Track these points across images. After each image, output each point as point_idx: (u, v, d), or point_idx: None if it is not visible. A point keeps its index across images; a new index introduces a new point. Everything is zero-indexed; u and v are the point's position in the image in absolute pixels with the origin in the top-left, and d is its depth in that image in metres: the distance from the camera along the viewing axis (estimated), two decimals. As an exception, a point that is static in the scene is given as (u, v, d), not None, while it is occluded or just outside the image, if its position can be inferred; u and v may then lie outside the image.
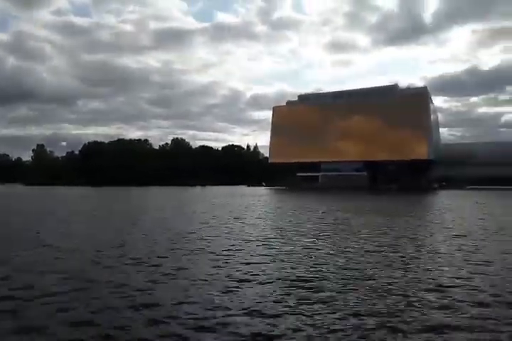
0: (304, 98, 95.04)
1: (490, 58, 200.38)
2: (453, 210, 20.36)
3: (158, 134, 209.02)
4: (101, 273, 6.23)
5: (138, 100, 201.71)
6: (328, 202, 28.38)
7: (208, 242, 9.36)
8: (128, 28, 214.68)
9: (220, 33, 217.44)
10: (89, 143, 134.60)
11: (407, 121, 76.87)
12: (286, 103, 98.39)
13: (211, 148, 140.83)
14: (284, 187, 78.47)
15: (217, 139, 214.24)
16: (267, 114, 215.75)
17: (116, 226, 13.05)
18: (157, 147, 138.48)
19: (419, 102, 79.00)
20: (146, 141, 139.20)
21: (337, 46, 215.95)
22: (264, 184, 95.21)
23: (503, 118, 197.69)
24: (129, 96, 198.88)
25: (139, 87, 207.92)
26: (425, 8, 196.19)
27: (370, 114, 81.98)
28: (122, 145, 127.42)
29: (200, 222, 13.82)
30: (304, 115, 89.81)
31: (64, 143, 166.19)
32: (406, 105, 78.43)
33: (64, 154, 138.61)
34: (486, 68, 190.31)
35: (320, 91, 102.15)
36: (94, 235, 10.85)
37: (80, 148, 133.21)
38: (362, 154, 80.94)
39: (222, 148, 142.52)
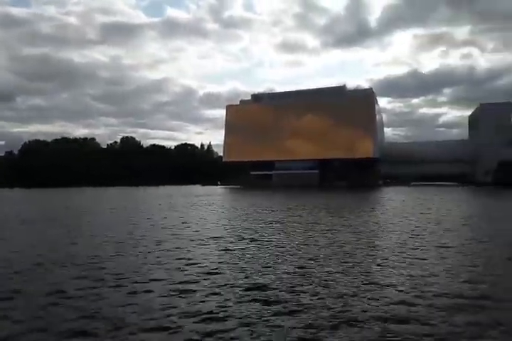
0: (257, 97, 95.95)
1: (429, 62, 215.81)
2: (396, 207, 21.83)
3: (106, 133, 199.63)
4: (23, 280, 6.07)
5: (84, 96, 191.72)
6: (282, 201, 29.08)
7: (156, 244, 9.33)
8: (72, 20, 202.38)
9: (171, 29, 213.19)
10: (29, 141, 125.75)
11: (355, 121, 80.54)
12: (240, 102, 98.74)
13: (163, 147, 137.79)
14: (238, 186, 78.94)
15: (169, 138, 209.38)
16: (221, 113, 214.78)
17: (51, 232, 12.50)
18: (105, 146, 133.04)
19: (365, 103, 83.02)
20: (92, 139, 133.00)
21: (287, 47, 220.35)
22: (219, 183, 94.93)
23: (441, 119, 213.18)
24: (74, 93, 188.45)
25: (85, 82, 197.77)
26: (370, 12, 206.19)
27: (320, 113, 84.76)
28: (66, 145, 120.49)
29: (149, 224, 13.64)
30: (257, 114, 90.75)
31: (2, 142, 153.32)
32: (354, 106, 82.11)
33: (2, 154, 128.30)
34: (425, 71, 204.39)
35: (272, 91, 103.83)
36: (26, 242, 10.34)
37: (19, 148, 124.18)
38: (313, 153, 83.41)
39: (176, 146, 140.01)
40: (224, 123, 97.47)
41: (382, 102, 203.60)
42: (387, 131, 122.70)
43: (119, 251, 8.61)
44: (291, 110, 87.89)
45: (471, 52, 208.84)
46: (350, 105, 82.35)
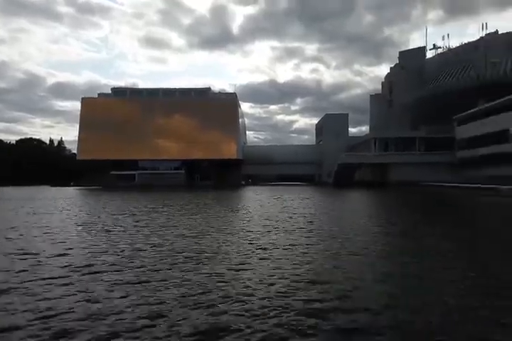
0: (118, 91, 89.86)
1: (285, 73, 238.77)
2: (250, 206, 23.63)
3: None
4: None
5: None
6: (141, 202, 28.06)
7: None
8: None
9: (13, 6, 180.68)
10: None
11: (219, 123, 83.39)
12: (98, 95, 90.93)
13: (1, 140, 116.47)
14: (97, 187, 72.66)
15: (8, 131, 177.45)
16: (75, 105, 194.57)
17: None
18: None
19: (229, 106, 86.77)
20: None
21: (152, 42, 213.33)
22: (72, 183, 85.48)
23: (294, 126, 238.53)
24: None
25: None
26: (233, 19, 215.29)
27: (186, 114, 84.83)
28: None
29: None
30: (118, 110, 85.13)
31: None
32: (218, 108, 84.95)
33: None
34: (282, 81, 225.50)
35: (135, 86, 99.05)
36: None
37: None
38: (179, 153, 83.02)
39: (17, 141, 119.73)
40: (79, 117, 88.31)
41: (245, 107, 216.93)
42: (249, 135, 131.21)
43: None
44: (156, 108, 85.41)
45: (319, 68, 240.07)
46: (214, 108, 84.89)
